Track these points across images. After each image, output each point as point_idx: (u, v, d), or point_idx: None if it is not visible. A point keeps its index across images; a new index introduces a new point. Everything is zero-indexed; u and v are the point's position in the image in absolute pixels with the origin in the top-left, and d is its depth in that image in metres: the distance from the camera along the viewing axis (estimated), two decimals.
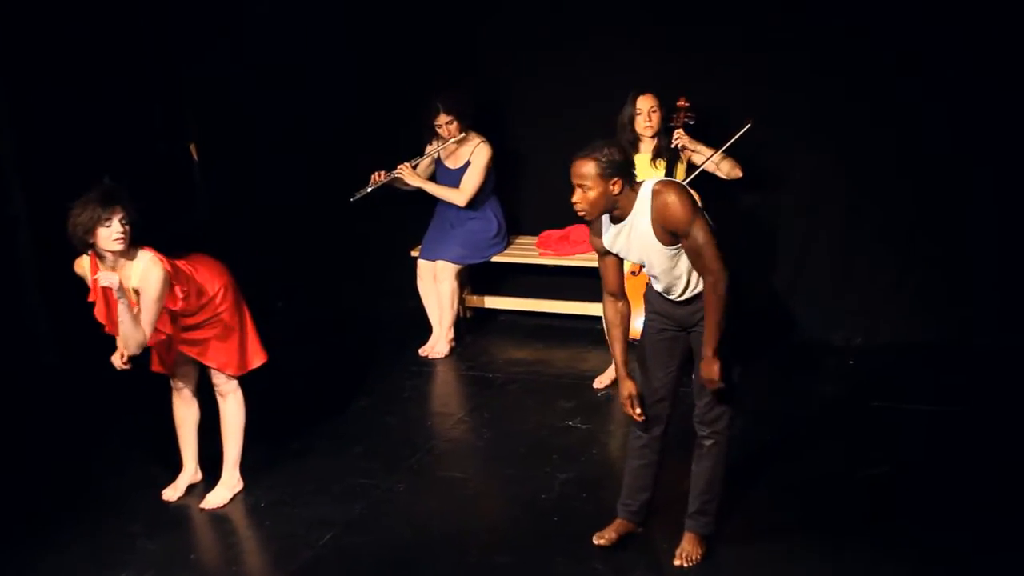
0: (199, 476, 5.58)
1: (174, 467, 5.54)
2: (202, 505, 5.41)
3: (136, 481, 5.64)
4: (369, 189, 6.83)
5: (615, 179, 4.28)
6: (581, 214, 4.36)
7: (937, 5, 6.27)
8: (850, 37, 6.46)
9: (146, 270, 4.86)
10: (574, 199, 4.32)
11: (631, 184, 4.33)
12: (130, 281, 4.86)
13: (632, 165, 4.40)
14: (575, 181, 4.29)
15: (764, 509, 5.10)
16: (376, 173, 6.86)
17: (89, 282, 4.97)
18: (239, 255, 7.75)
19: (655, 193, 4.28)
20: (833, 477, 5.33)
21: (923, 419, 5.85)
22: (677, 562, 4.72)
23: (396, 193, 7.01)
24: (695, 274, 4.43)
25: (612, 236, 4.47)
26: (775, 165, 6.70)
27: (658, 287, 4.58)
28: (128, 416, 6.25)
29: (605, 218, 4.46)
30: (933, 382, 6.26)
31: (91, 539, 5.15)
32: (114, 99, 7.21)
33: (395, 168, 6.84)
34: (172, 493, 5.51)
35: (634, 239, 4.40)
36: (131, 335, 4.86)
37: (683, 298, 4.52)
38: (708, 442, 4.65)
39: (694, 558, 4.72)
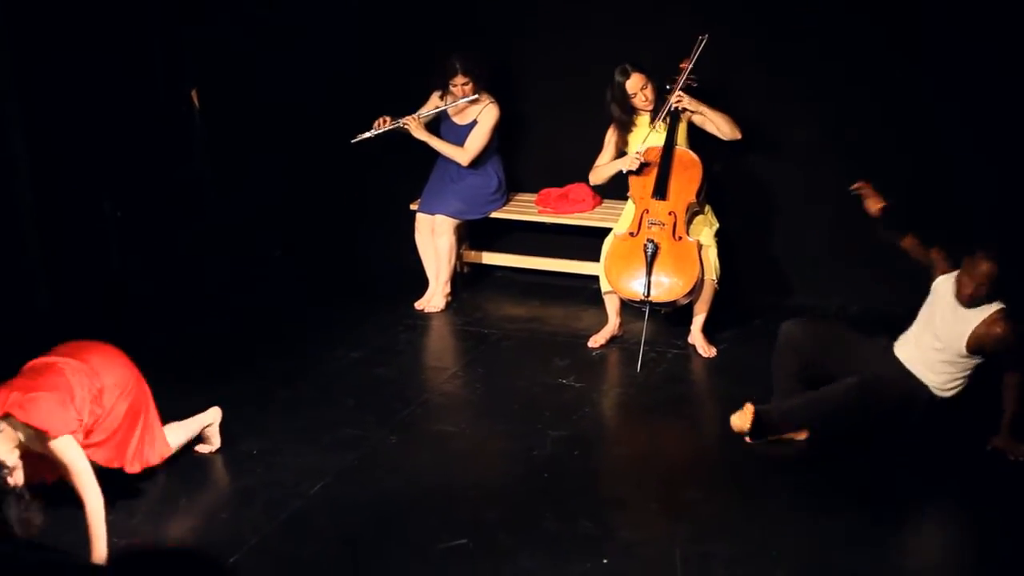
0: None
1: (165, 415, 5.53)
2: (196, 447, 5.42)
3: None
4: (371, 133, 6.81)
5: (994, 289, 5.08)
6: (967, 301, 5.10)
7: None
8: (851, 12, 6.43)
9: (62, 452, 4.58)
10: (969, 292, 5.07)
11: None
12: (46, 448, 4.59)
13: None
14: (977, 280, 5.03)
15: (753, 476, 5.14)
16: (381, 118, 6.83)
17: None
18: (239, 204, 7.79)
19: (992, 319, 5.07)
20: (818, 443, 5.34)
21: None
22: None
23: (397, 141, 6.97)
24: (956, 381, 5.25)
25: (946, 295, 5.20)
26: (777, 131, 6.69)
27: (919, 364, 5.26)
28: None
29: (952, 287, 5.18)
30: None
31: None
32: (115, 45, 7.16)
33: (401, 117, 6.83)
34: None
35: (950, 316, 5.16)
36: (100, 514, 4.58)
37: (936, 385, 5.25)
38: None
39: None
